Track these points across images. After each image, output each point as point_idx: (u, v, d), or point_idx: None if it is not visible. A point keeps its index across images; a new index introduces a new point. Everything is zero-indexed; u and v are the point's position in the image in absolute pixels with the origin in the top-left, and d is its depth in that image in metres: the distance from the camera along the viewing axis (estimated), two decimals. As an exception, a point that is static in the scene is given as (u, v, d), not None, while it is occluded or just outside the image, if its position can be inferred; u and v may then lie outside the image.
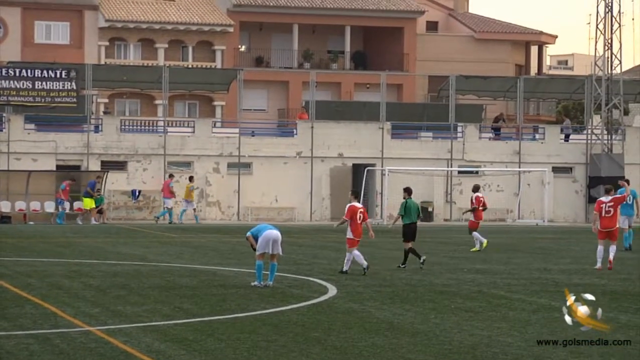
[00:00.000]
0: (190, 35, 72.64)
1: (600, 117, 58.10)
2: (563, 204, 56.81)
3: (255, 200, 53.48)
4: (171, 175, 50.45)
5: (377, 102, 56.94)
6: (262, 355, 13.74)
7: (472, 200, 33.78)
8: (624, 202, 29.89)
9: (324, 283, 22.48)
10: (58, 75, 51.20)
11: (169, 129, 54.14)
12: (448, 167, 55.54)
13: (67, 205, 48.80)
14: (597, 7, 57.16)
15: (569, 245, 36.71)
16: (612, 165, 55.92)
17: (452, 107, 56.53)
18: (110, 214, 50.49)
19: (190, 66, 69.58)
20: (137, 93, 67.35)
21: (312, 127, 54.44)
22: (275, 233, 21.53)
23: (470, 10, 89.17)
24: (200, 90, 63.83)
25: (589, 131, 57.60)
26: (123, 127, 54.15)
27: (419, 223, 27.28)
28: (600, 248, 26.54)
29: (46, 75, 51.03)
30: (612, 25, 57.08)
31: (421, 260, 26.20)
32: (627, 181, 33.10)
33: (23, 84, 50.80)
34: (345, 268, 24.72)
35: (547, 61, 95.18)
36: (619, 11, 57.05)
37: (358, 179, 52.15)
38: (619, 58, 57.50)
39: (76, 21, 70.86)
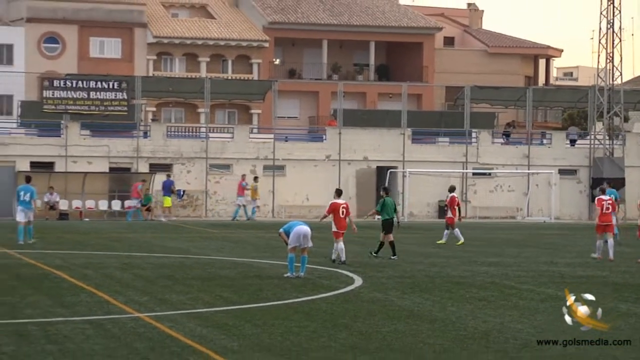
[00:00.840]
0: (229, 50, 72.77)
1: (603, 124, 57.83)
2: (568, 203, 56.51)
3: (289, 199, 53.49)
4: (243, 175, 50.46)
5: (399, 110, 56.77)
6: (294, 339, 13.75)
7: (447, 199, 34.43)
8: None
9: (350, 274, 22.47)
10: (111, 87, 51.38)
11: (211, 135, 54.20)
12: (463, 169, 55.36)
13: (138, 203, 49.02)
14: (600, 23, 56.94)
15: (573, 241, 36.52)
16: (613, 167, 55.63)
17: (467, 114, 56.33)
18: (157, 212, 50.57)
19: (229, 78, 69.62)
20: (182, 102, 67.48)
21: (339, 133, 54.40)
22: (306, 229, 21.54)
23: (484, 27, 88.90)
24: (239, 99, 63.86)
25: (592, 137, 57.28)
26: (169, 133, 54.25)
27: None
28: (599, 242, 27.12)
29: (100, 87, 51.22)
30: (613, 40, 56.76)
31: (392, 257, 26.26)
32: (610, 184, 34.64)
33: (79, 94, 50.99)
34: (333, 257, 25.29)
35: (553, 73, 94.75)
36: (620, 27, 56.82)
37: (381, 180, 52.08)
38: (620, 70, 57.21)
39: (127, 37, 71.13)
